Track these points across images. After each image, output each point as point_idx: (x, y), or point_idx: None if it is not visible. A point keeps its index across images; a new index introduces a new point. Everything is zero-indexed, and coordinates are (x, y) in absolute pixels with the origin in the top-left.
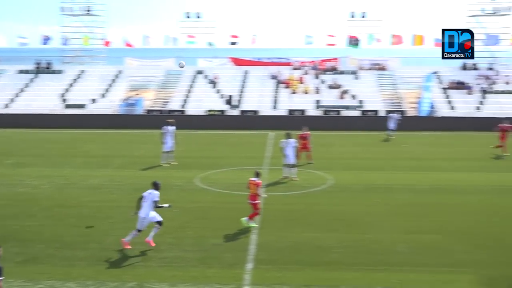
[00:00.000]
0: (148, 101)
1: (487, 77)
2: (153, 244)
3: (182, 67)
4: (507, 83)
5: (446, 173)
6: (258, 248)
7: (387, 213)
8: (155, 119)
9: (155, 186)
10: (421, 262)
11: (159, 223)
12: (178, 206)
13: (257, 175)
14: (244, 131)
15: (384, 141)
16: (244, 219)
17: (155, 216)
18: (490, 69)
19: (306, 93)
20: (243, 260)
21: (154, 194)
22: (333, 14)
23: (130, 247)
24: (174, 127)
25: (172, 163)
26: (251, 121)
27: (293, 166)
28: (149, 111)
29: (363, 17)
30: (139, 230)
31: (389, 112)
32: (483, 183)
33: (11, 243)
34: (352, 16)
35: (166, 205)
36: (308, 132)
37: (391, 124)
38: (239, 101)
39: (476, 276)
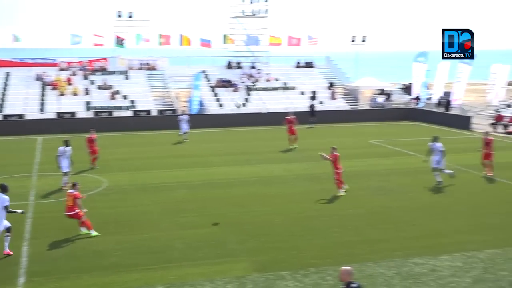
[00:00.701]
0: None
1: (250, 75)
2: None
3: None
4: (267, 80)
5: (218, 168)
6: (30, 260)
7: (163, 211)
8: None
9: (3, 189)
10: (198, 256)
11: (8, 229)
12: None
13: (74, 186)
14: (9, 137)
15: (178, 143)
16: (83, 230)
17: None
18: (253, 67)
19: (75, 94)
20: (14, 274)
21: (3, 198)
22: (100, 14)
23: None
24: None
25: None
26: (17, 126)
27: (65, 173)
28: None
29: (130, 17)
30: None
31: (177, 114)
32: (249, 175)
33: None
34: (119, 16)
35: (19, 210)
36: (95, 135)
37: (184, 126)
38: (1, 105)
39: (250, 263)
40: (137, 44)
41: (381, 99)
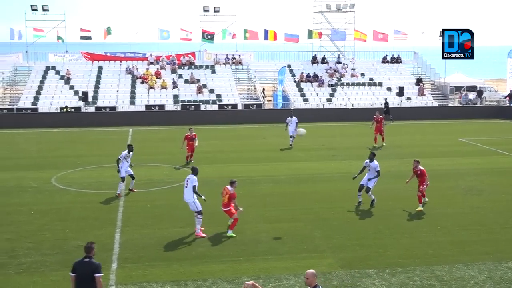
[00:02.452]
0: None
1: (335, 71)
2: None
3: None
4: (353, 76)
5: (302, 163)
6: (122, 247)
7: (249, 204)
8: (4, 118)
9: (194, 171)
10: (283, 250)
11: (199, 212)
12: (34, 208)
13: (232, 184)
14: (102, 128)
15: (287, 149)
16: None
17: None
18: (338, 62)
19: (163, 88)
20: (108, 260)
21: (193, 178)
22: (187, 9)
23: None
24: None
25: None
26: (109, 117)
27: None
28: None
29: (216, 11)
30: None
31: (289, 115)
32: (335, 171)
33: None
34: (206, 11)
35: (203, 197)
36: (195, 134)
37: (292, 130)
38: (94, 97)
39: (334, 259)
40: (223, 38)
41: (472, 95)
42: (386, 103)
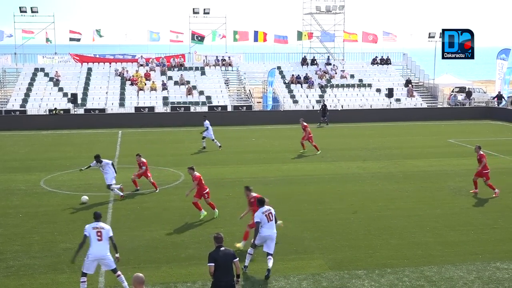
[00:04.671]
0: None
1: (325, 72)
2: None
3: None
4: (342, 77)
5: (291, 164)
6: None
7: (238, 206)
8: None
9: (99, 217)
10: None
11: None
12: (23, 211)
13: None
14: (91, 130)
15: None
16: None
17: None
18: (328, 64)
19: (153, 89)
20: None
21: (108, 228)
22: (177, 10)
23: None
24: None
25: None
26: (98, 119)
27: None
28: None
29: (206, 13)
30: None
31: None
32: (325, 172)
33: None
34: (196, 13)
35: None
36: (144, 160)
37: (207, 133)
38: (83, 99)
39: (324, 261)
40: (213, 40)
41: (461, 97)
42: (324, 105)
